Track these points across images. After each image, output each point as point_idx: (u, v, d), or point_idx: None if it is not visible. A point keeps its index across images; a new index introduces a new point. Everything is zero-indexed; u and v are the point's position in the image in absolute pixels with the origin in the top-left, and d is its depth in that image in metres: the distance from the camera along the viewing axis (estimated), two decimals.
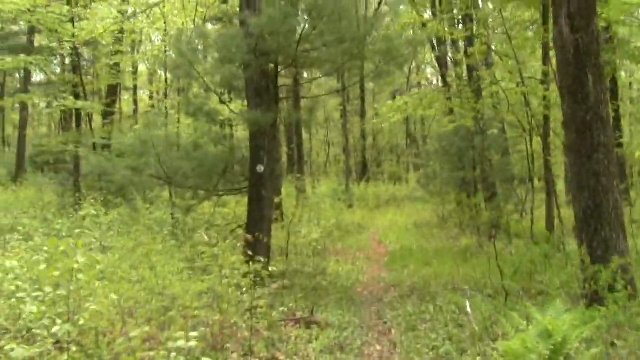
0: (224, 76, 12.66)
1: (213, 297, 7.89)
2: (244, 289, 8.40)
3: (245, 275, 8.82)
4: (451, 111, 21.55)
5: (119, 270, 8.03)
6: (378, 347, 8.11)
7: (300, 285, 12.40)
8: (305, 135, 48.61)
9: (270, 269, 8.38)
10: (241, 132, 25.22)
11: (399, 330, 8.92)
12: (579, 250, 8.90)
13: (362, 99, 44.47)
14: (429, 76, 47.44)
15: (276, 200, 17.14)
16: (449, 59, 26.55)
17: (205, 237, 16.21)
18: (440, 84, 30.71)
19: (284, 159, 38.97)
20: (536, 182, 23.68)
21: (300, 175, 28.96)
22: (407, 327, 8.91)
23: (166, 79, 29.72)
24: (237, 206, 17.45)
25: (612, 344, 6.76)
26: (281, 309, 9.55)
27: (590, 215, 8.83)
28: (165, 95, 32.57)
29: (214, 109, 13.17)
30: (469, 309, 8.63)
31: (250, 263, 8.37)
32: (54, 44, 22.97)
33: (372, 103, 47.02)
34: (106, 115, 27.90)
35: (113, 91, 29.85)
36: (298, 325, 8.94)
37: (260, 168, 12.32)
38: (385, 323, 9.59)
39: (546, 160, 15.92)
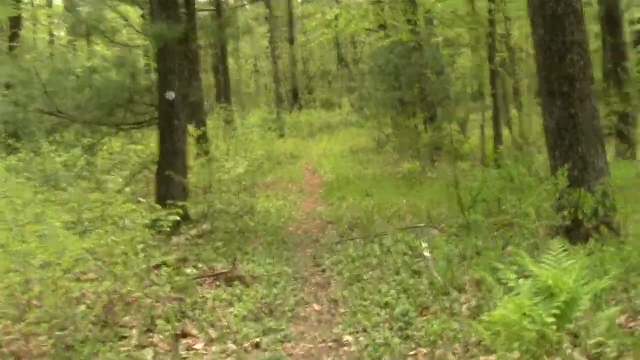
0: None
1: (103, 258, 6.08)
2: (147, 243, 6.68)
3: (151, 225, 7.10)
4: (385, 26, 19.68)
5: None
6: (316, 307, 6.43)
7: (223, 229, 10.69)
8: (234, 66, 46.76)
9: (169, 216, 6.59)
10: None
11: (340, 281, 7.28)
12: (551, 171, 7.41)
13: (290, 23, 42.22)
14: None
15: (198, 132, 15.37)
16: None
17: (120, 180, 14.39)
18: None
19: (213, 92, 36.81)
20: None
21: (227, 105, 26.86)
22: (350, 277, 7.22)
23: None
24: (152, 141, 15.53)
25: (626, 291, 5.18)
26: (193, 267, 7.76)
27: (564, 128, 7.29)
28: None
29: (111, 27, 11.01)
30: (426, 253, 7.02)
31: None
32: None
33: (302, 29, 44.67)
34: (10, 50, 25.28)
35: (15, 24, 27.03)
36: (217, 283, 7.23)
37: (170, 95, 10.42)
38: (324, 271, 7.95)
39: (493, 72, 14.38)
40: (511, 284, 4.21)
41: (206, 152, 17.07)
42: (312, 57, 47.52)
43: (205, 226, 10.67)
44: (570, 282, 3.96)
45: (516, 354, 3.78)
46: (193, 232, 10.10)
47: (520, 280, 4.23)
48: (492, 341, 3.97)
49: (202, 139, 18.15)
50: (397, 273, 7.00)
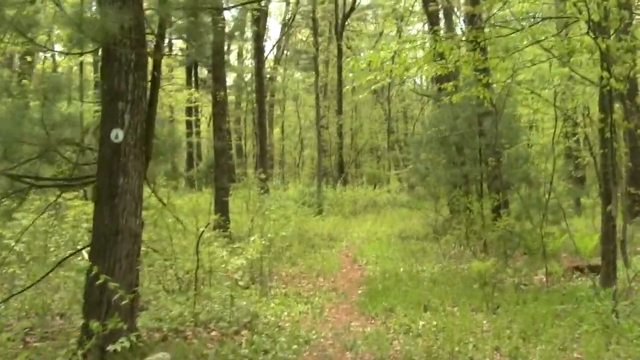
0: None
1: None
2: None
3: None
4: (447, 78, 15.23)
5: None
6: None
7: None
8: (277, 136, 44.50)
9: None
10: None
11: None
12: None
13: (340, 93, 38.93)
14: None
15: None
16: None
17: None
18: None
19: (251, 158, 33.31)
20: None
21: (262, 169, 22.87)
22: None
23: None
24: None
25: None
26: None
27: None
28: None
29: (33, 19, 6.85)
30: None
31: None
32: None
33: (351, 99, 41.38)
34: None
35: None
36: None
37: (117, 134, 6.30)
38: None
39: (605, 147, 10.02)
40: None
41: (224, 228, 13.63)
42: (360, 129, 44.78)
43: (162, 356, 6.42)
44: None
45: None
46: None
47: None
48: None
49: (222, 209, 15.54)
50: None
